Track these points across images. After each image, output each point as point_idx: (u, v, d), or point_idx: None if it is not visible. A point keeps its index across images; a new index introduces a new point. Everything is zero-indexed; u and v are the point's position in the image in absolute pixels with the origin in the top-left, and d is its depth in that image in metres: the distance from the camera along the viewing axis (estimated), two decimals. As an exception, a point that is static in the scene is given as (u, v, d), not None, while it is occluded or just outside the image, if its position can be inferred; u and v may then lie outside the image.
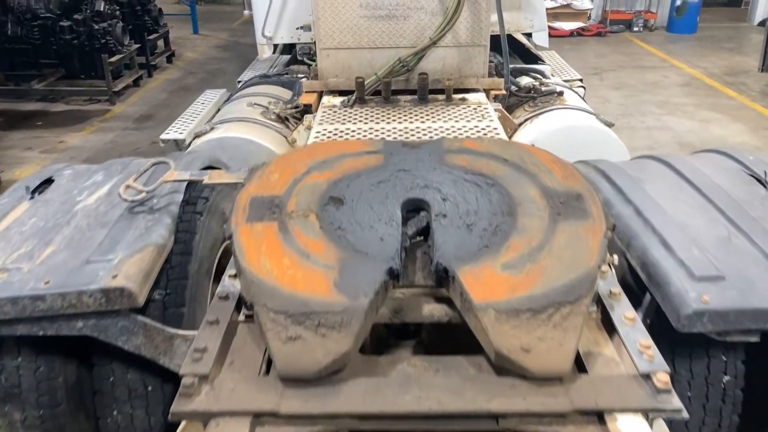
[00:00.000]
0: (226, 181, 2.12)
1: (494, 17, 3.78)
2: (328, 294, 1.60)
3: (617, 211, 2.17)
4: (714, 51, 10.83)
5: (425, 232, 1.89)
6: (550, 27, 4.68)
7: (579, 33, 12.22)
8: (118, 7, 8.16)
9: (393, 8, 3.67)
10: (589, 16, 12.56)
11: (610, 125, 3.71)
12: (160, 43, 10.27)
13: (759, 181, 2.26)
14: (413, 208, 1.93)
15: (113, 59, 8.05)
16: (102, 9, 7.57)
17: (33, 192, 2.26)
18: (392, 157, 2.11)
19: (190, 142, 3.59)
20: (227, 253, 2.42)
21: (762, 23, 12.61)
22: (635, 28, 12.58)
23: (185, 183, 2.15)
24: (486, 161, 2.06)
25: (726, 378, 2.02)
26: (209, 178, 2.11)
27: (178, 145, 3.62)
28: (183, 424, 1.65)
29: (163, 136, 3.60)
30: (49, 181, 2.40)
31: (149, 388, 2.03)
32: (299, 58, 4.73)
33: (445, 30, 3.65)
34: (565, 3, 12.25)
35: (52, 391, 1.99)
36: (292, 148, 2.44)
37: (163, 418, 2.03)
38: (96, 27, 7.56)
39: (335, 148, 2.16)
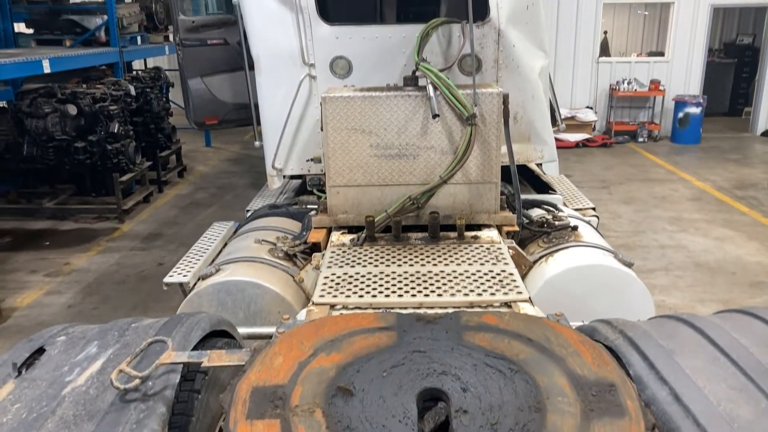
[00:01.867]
0: (226, 364, 1.97)
1: (504, 148, 3.76)
2: None
3: (652, 393, 1.98)
4: (720, 162, 10.91)
5: (444, 426, 1.71)
6: (556, 138, 4.67)
7: (585, 144, 12.41)
8: (132, 127, 8.35)
9: (403, 148, 3.66)
10: (594, 127, 12.81)
11: (629, 265, 3.58)
12: (172, 157, 10.46)
13: (802, 353, 2.08)
14: (430, 397, 1.77)
15: (124, 178, 8.16)
16: (116, 130, 7.74)
17: (20, 368, 2.10)
18: (406, 335, 1.96)
19: (194, 285, 3.47)
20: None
21: (765, 133, 12.82)
22: (640, 139, 12.79)
23: (181, 365, 2.00)
24: (508, 341, 1.91)
25: None
26: (208, 360, 1.97)
27: (183, 287, 3.51)
28: None
29: (167, 280, 3.49)
30: (40, 350, 2.25)
31: None
32: (309, 188, 4.71)
33: (456, 169, 3.62)
34: (569, 115, 12.53)
35: None
36: (297, 325, 2.34)
37: None
38: (109, 147, 7.70)
39: (344, 324, 2.03)
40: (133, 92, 8.52)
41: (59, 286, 6.17)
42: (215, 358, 1.97)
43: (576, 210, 4.64)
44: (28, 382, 2.04)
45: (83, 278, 6.36)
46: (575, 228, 3.93)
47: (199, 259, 3.74)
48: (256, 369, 1.82)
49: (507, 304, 2.92)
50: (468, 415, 1.66)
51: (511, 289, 3.00)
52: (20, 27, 9.72)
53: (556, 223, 4.00)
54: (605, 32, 14.14)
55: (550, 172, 4.67)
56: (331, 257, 3.43)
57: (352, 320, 2.10)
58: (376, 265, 3.30)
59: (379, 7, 5.38)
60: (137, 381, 1.85)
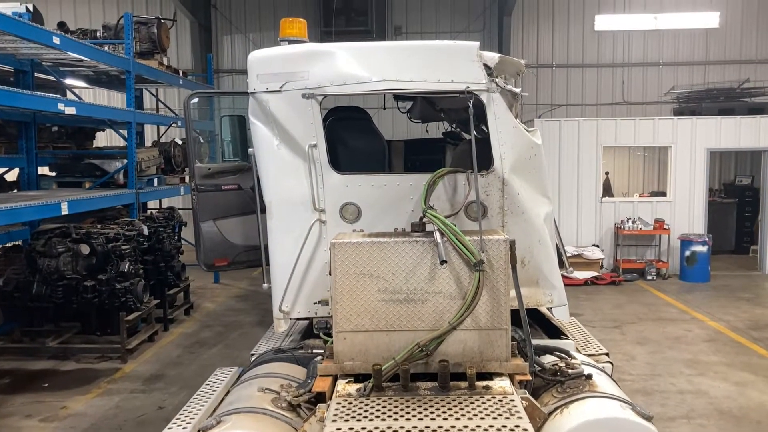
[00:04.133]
0: None
1: (513, 292, 3.73)
2: None
3: None
4: (732, 301, 10.77)
5: None
6: (564, 277, 4.64)
7: (593, 282, 12.37)
8: (142, 266, 8.43)
9: (411, 292, 3.64)
10: (602, 265, 12.83)
11: (648, 418, 3.41)
12: (180, 294, 10.46)
13: None
14: None
15: (131, 317, 8.11)
16: (126, 269, 7.81)
17: None
18: None
19: (194, 438, 3.32)
20: None
21: (775, 272, 12.78)
22: (648, 277, 12.75)
23: None
24: None
25: None
26: None
27: (182, 441, 3.36)
28: None
29: (165, 433, 3.35)
30: None
31: None
32: (315, 332, 4.64)
33: (465, 315, 3.57)
34: (576, 253, 12.61)
35: None
36: None
37: None
38: (118, 286, 7.72)
39: None
40: (146, 232, 8.70)
41: (54, 432, 5.93)
42: None
43: (589, 356, 4.52)
44: None
45: (79, 423, 6.12)
46: (590, 377, 3.80)
47: (199, 410, 3.60)
48: None
49: (522, 466, 2.76)
50: None
51: (526, 449, 2.84)
52: (44, 170, 10.15)
53: (570, 371, 3.88)
54: (606, 173, 14.59)
55: (560, 316, 4.61)
56: (336, 410, 3.29)
57: None
58: (383, 419, 3.17)
59: (387, 157, 5.61)
60: None
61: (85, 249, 7.65)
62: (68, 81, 10.64)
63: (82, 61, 8.97)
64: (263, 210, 4.63)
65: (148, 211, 10.96)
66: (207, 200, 5.30)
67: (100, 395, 6.90)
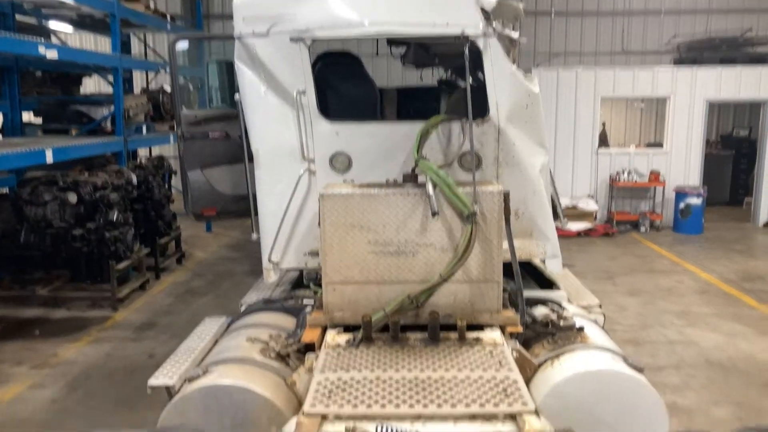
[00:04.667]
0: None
1: (506, 244, 3.66)
2: None
3: None
4: (725, 253, 10.80)
5: None
6: (557, 229, 4.58)
7: (586, 233, 12.36)
8: (132, 214, 8.33)
9: (402, 245, 3.57)
10: (595, 216, 12.80)
11: (639, 370, 3.39)
12: (171, 244, 10.40)
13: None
14: None
15: (121, 266, 8.05)
16: (115, 218, 7.71)
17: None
18: None
19: (180, 388, 3.29)
20: None
21: (768, 225, 12.80)
22: (642, 229, 12.75)
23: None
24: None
25: None
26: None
27: (168, 390, 3.32)
28: None
29: (152, 383, 3.31)
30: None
31: None
32: (305, 283, 4.58)
33: (456, 267, 3.51)
34: (570, 205, 12.56)
35: None
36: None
37: None
38: (108, 235, 7.64)
39: None
40: (135, 181, 8.56)
41: (44, 380, 5.92)
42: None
43: (581, 307, 4.49)
44: None
45: (70, 371, 6.13)
46: (581, 329, 3.77)
47: (186, 359, 3.56)
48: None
49: (512, 416, 2.74)
50: None
51: (515, 399, 2.82)
52: (30, 117, 9.91)
53: (561, 323, 3.84)
54: (603, 123, 14.41)
55: (554, 269, 4.56)
56: (325, 360, 3.26)
57: None
58: (372, 370, 3.14)
59: (379, 105, 5.45)
60: None
61: (72, 197, 7.53)
62: (52, 24, 10.29)
63: (63, 3, 8.63)
64: (251, 159, 4.50)
65: (138, 159, 10.79)
66: (194, 148, 5.16)
67: (91, 343, 6.90)
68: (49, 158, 6.86)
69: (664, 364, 6.16)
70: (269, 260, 4.47)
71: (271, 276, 4.56)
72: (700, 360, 6.28)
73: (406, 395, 2.87)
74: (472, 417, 2.72)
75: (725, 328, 7.20)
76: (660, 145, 13.66)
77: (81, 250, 7.66)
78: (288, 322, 4.11)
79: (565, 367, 3.40)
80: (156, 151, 13.24)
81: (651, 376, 3.38)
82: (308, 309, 4.08)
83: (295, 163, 4.32)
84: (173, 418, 3.17)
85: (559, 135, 12.77)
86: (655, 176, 12.81)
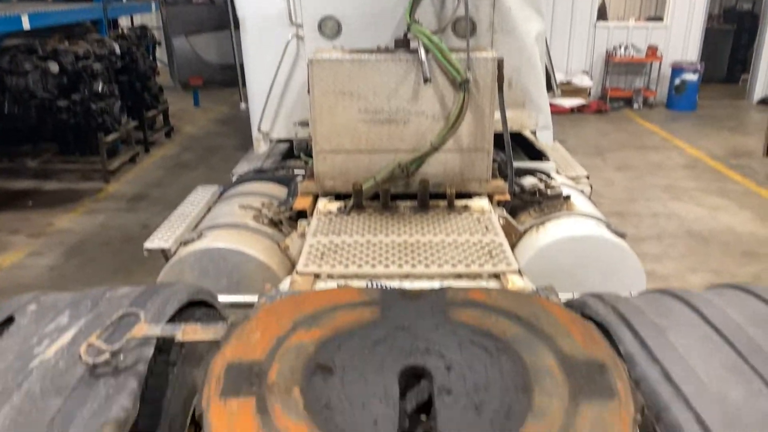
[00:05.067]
0: (202, 338, 1.89)
1: (497, 115, 3.64)
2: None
3: (642, 372, 1.91)
4: (716, 130, 10.81)
5: (426, 405, 1.64)
6: (550, 104, 4.56)
7: (579, 110, 12.26)
8: (117, 86, 8.13)
9: (393, 113, 3.53)
10: (589, 93, 12.64)
11: (622, 236, 3.51)
12: (159, 118, 10.25)
13: (798, 333, 2.02)
14: (413, 375, 1.70)
15: (109, 138, 7.98)
16: (100, 89, 7.53)
17: (-10, 337, 2.02)
18: (389, 310, 1.88)
19: (176, 251, 3.38)
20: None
21: (762, 101, 12.70)
22: (635, 105, 12.65)
23: (155, 339, 1.92)
24: (495, 318, 1.84)
25: None
26: (182, 334, 1.88)
27: (164, 253, 3.41)
28: None
29: (148, 245, 3.39)
30: (9, 319, 2.16)
31: None
32: (296, 153, 4.58)
33: (447, 136, 3.50)
34: (565, 80, 12.35)
35: None
36: (278, 297, 2.26)
37: None
38: (94, 107, 7.50)
39: (325, 299, 1.94)
40: (117, 51, 8.28)
41: (42, 247, 6.06)
42: (189, 332, 1.88)
43: (569, 178, 4.55)
44: (-4, 353, 1.95)
45: (66, 239, 6.25)
46: (567, 197, 3.84)
47: (181, 224, 3.63)
48: (232, 344, 1.74)
49: (496, 276, 2.85)
50: (451, 395, 1.59)
51: (500, 260, 2.93)
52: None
53: (549, 192, 3.91)
54: (603, -6, 13.84)
55: (545, 140, 4.56)
56: (317, 225, 3.33)
57: (334, 295, 2.02)
58: (362, 234, 3.22)
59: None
60: (106, 355, 1.77)
61: (54, 67, 7.30)
62: None
63: None
64: (237, 26, 4.34)
65: (120, 30, 10.35)
66: (177, 14, 4.95)
67: (85, 213, 6.98)
68: (26, 24, 6.58)
69: (647, 235, 6.35)
70: (258, 130, 4.43)
71: (260, 146, 4.55)
72: (682, 231, 6.48)
73: (395, 257, 2.97)
74: (458, 276, 2.83)
75: (709, 201, 7.36)
76: (660, 18, 13.22)
77: (68, 122, 7.55)
78: (279, 191, 4.15)
79: (549, 233, 3.51)
80: (138, 20, 12.67)
81: (633, 247, 3.49)
82: (299, 178, 4.11)
83: (282, 29, 4.17)
84: (170, 279, 3.28)
85: (557, 6, 12.30)
86: (652, 51, 12.51)
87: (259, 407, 1.54)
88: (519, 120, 4.38)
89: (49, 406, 1.68)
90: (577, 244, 3.42)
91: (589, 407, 1.53)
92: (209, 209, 4.03)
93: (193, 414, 2.12)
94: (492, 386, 1.61)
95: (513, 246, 3.50)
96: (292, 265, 3.38)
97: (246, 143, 5.63)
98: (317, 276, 2.85)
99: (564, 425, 1.50)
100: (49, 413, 1.66)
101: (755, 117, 11.95)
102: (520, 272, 2.85)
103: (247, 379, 1.63)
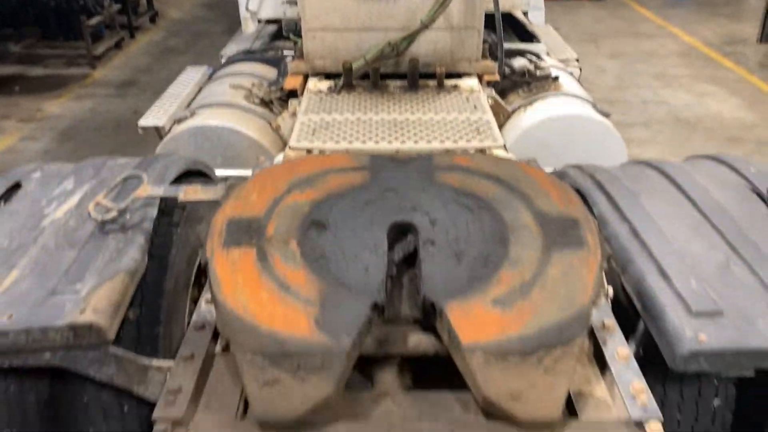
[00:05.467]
0: (202, 198, 2.01)
1: (489, -6, 3.61)
2: (309, 333, 1.50)
3: (613, 229, 2.08)
4: (712, 17, 10.59)
5: (412, 257, 1.80)
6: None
7: (575, -5, 11.90)
8: (97, -34, 7.82)
9: (383, -11, 3.49)
10: (586, -23, 12.20)
11: (606, 115, 3.59)
12: (143, 1, 9.91)
13: (761, 197, 2.17)
14: (400, 231, 1.84)
15: (92, 21, 7.76)
16: (80, -31, 7.25)
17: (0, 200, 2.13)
18: (379, 174, 1.99)
19: (170, 129, 3.44)
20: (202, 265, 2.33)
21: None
22: (633, -9, 12.27)
23: (159, 199, 2.04)
24: (478, 180, 1.96)
25: (717, 402, 1.98)
26: (184, 194, 2.00)
27: (158, 131, 3.48)
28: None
29: (142, 123, 3.44)
30: (17, 186, 2.27)
31: (125, 409, 1.96)
32: (285, 34, 4.53)
33: (438, 13, 3.48)
34: (561, -37, 11.89)
35: (23, 410, 1.92)
36: (272, 164, 2.35)
37: (141, 439, 1.97)
38: (74, -12, 7.25)
39: (319, 164, 2.05)
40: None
41: (33, 132, 6.07)
42: (191, 192, 2.00)
43: (560, 60, 4.56)
44: (7, 214, 2.08)
45: (57, 125, 6.25)
46: (556, 78, 3.88)
47: (174, 103, 3.67)
48: (231, 203, 1.85)
49: (482, 151, 2.95)
50: (435, 246, 1.73)
51: (486, 136, 3.02)
52: None
53: (538, 73, 3.94)
54: None
55: (536, 20, 4.52)
56: (308, 104, 3.38)
57: (327, 160, 2.12)
58: (353, 113, 3.28)
59: None
60: (114, 213, 1.89)
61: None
62: None
63: None
64: None
65: None
66: None
67: (74, 99, 6.93)
68: None
69: (635, 121, 6.42)
70: (246, 9, 4.36)
71: (249, 26, 4.49)
72: (670, 118, 6.55)
73: (385, 134, 3.06)
74: (446, 151, 2.93)
75: (699, 89, 7.37)
76: None
77: (48, 4, 7.31)
78: (269, 72, 4.16)
79: (536, 113, 3.59)
80: None
81: (620, 132, 3.58)
82: (289, 59, 4.10)
83: None
84: (166, 156, 3.37)
85: None
86: (654, -69, 11.98)
87: (259, 256, 1.68)
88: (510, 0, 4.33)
89: (64, 258, 1.83)
90: (562, 122, 3.51)
91: (561, 256, 1.68)
92: (200, 89, 4.04)
93: (197, 271, 2.30)
94: (472, 239, 1.75)
95: (501, 126, 3.59)
96: (283, 144, 3.46)
97: (234, 28, 5.52)
98: (309, 151, 2.94)
99: (536, 271, 1.65)
100: (64, 263, 1.80)
101: (753, 4, 11.65)
102: (504, 147, 2.95)
103: (247, 233, 1.75)
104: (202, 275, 2.41)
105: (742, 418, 1.99)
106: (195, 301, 2.25)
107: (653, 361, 1.78)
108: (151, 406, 1.81)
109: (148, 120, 3.44)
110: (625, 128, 6.08)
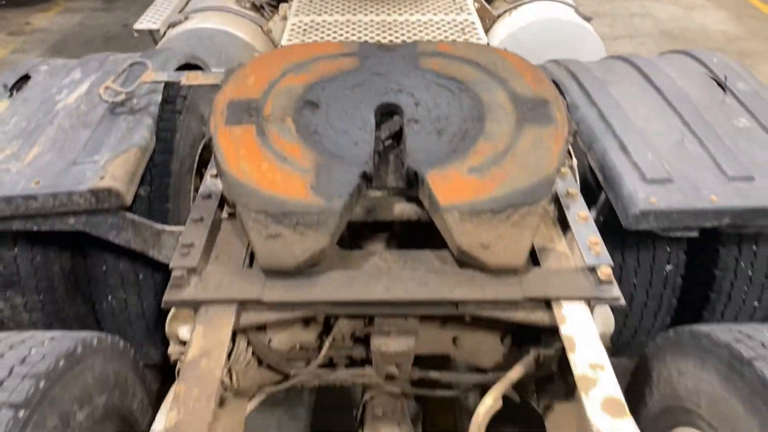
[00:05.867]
0: (203, 83, 2.16)
1: None
2: (306, 196, 1.71)
3: (582, 114, 2.26)
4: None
5: (398, 135, 1.98)
6: None
7: None
8: None
9: None
10: None
11: (588, 19, 3.70)
12: None
13: (719, 84, 2.35)
14: (387, 112, 2.01)
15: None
16: None
17: (11, 89, 2.28)
18: (367, 60, 2.15)
19: (165, 33, 3.54)
20: (207, 149, 2.51)
21: None
22: None
23: (163, 84, 2.19)
24: (459, 65, 2.12)
25: (669, 267, 2.23)
26: (186, 79, 2.15)
27: (153, 35, 3.57)
28: (173, 310, 1.81)
29: (137, 26, 3.53)
30: (25, 78, 2.41)
31: (140, 276, 2.19)
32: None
33: None
34: None
35: (50, 278, 2.15)
36: (267, 51, 2.45)
37: (155, 303, 2.22)
38: None
39: (311, 51, 2.19)
40: None
41: (24, 45, 6.09)
42: (192, 77, 2.15)
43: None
44: (21, 101, 2.23)
45: (48, 38, 6.26)
46: (541, -16, 3.96)
47: (167, 7, 3.74)
48: (230, 86, 2.01)
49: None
50: (418, 123, 1.92)
51: (471, 36, 3.15)
52: None
53: (523, -23, 4.01)
54: None
55: None
56: (298, 6, 3.47)
57: (318, 48, 2.27)
58: (342, 14, 3.38)
59: None
60: (123, 96, 2.05)
61: None
62: None
63: None
64: None
65: None
66: None
67: (61, 13, 6.88)
68: None
69: (620, 34, 6.49)
70: None
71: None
72: (654, 31, 6.61)
73: (374, 33, 3.18)
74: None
75: (686, 2, 7.39)
76: None
77: None
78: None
79: (521, 17, 3.70)
80: None
81: (605, 44, 3.69)
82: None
83: None
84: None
85: None
86: None
87: (258, 132, 1.86)
88: None
89: (80, 136, 2.01)
90: (546, 26, 3.63)
91: (531, 131, 1.87)
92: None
93: (200, 156, 2.48)
94: (452, 117, 1.93)
95: (487, 30, 3.70)
96: (275, 47, 3.57)
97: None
98: (301, 50, 3.06)
99: (509, 144, 1.84)
100: (81, 140, 1.98)
101: None
102: (488, 45, 3.09)
103: (246, 112, 1.93)
104: (202, 166, 2.60)
105: (690, 281, 2.26)
106: (197, 190, 2.45)
107: (613, 231, 2.01)
108: (164, 272, 2.03)
109: (143, 24, 3.53)
110: (611, 41, 6.17)
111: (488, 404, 1.53)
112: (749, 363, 1.35)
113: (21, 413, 1.20)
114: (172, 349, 1.82)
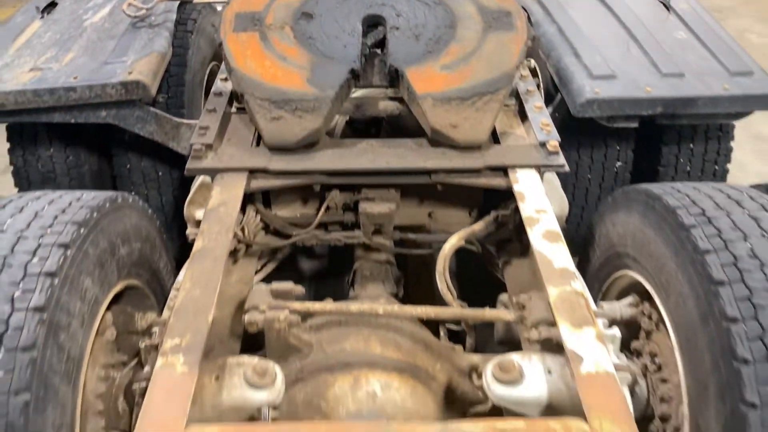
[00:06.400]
0: (212, 0, 2.48)
1: None
2: (303, 86, 2.04)
3: (544, 30, 2.60)
4: None
5: (381, 43, 2.31)
6: None
7: None
8: None
9: None
10: None
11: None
12: None
13: (664, 5, 2.69)
14: (372, 23, 2.34)
15: None
16: None
17: (42, 12, 2.60)
18: None
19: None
20: (212, 75, 2.83)
21: None
22: None
23: (177, 4, 2.51)
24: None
25: (619, 164, 2.59)
26: (198, -3, 2.47)
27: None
28: (191, 195, 2.14)
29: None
30: (53, 5, 2.72)
31: (160, 173, 2.53)
32: None
33: None
34: None
35: (80, 176, 2.49)
36: None
37: (173, 198, 2.56)
38: None
39: None
40: None
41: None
42: (203, -4, 2.47)
43: None
44: (52, 21, 2.55)
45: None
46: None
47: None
48: (237, 1, 2.33)
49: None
50: (399, 30, 2.25)
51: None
52: None
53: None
54: None
55: None
56: None
57: None
58: None
59: None
60: (144, 11, 2.38)
61: None
62: None
63: None
64: None
65: None
66: None
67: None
68: None
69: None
70: None
71: None
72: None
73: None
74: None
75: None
76: None
77: None
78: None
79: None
80: None
81: None
82: None
83: None
84: None
85: None
86: None
87: (261, 37, 2.19)
88: None
89: (107, 45, 2.33)
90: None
91: (495, 35, 2.20)
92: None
93: (210, 74, 2.81)
94: (428, 25, 2.26)
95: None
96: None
97: None
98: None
99: (476, 46, 2.18)
100: (108, 48, 2.31)
101: None
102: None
103: (251, 22, 2.25)
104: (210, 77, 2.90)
105: (638, 177, 2.61)
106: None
107: (569, 132, 2.35)
108: (180, 169, 2.36)
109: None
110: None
111: (453, 242, 1.88)
112: (659, 197, 1.70)
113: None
114: (190, 231, 2.15)
